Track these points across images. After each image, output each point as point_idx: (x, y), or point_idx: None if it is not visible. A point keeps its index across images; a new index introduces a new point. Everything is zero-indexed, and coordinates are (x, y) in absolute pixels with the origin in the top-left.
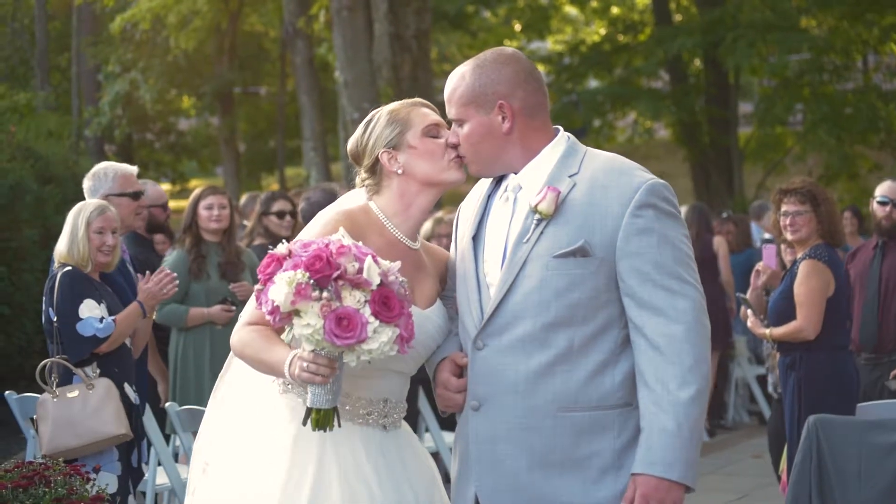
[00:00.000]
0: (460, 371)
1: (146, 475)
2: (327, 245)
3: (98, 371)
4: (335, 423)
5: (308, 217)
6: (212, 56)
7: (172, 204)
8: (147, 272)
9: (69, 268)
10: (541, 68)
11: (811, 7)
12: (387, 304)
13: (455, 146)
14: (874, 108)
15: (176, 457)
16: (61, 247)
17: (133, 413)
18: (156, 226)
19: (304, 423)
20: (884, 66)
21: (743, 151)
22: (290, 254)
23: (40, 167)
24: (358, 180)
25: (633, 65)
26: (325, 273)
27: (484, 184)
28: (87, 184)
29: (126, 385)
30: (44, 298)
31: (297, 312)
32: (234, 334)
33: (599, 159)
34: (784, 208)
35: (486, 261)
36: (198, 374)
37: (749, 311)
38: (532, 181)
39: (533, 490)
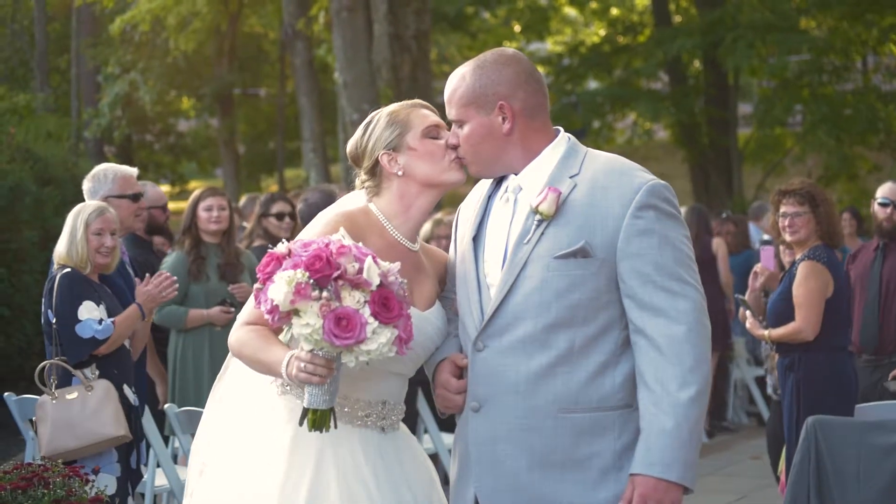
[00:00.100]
0: (460, 372)
1: (145, 477)
2: (327, 245)
3: (97, 373)
4: (331, 424)
5: (306, 218)
6: (211, 57)
7: (172, 205)
8: (147, 275)
9: (68, 269)
10: (540, 69)
11: (811, 8)
12: (386, 304)
13: (455, 147)
14: (873, 108)
15: (175, 458)
16: (60, 248)
17: (132, 414)
18: (155, 227)
19: (301, 424)
20: (883, 67)
21: (742, 152)
22: (289, 253)
23: (40, 169)
24: (358, 182)
25: (632, 66)
26: (324, 273)
27: (483, 185)
28: (86, 185)
29: (125, 386)
30: (43, 300)
31: (296, 312)
32: (232, 334)
33: (600, 160)
34: (783, 209)
35: (486, 262)
36: (197, 376)
37: (748, 313)
38: (533, 182)
39: (533, 491)
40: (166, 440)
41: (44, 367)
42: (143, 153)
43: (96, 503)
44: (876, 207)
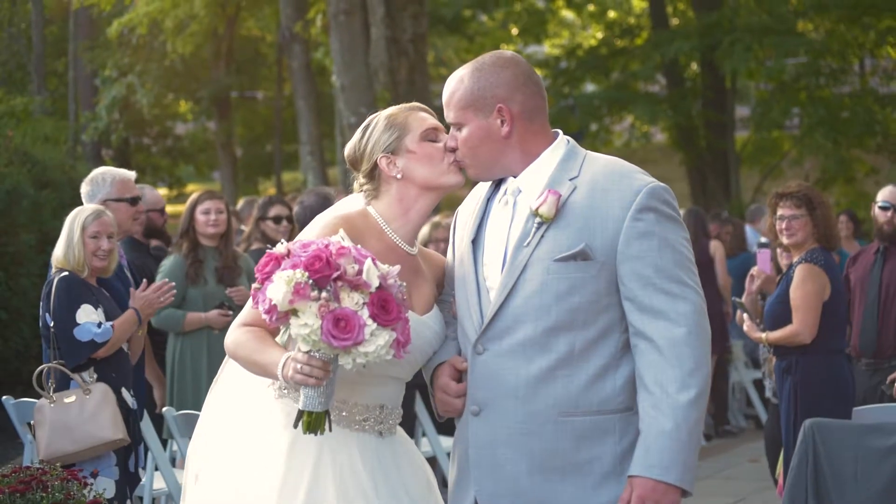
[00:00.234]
0: (459, 375)
1: (143, 480)
2: (327, 246)
3: (95, 376)
4: (326, 426)
5: (302, 221)
6: (209, 60)
7: (169, 208)
8: (144, 280)
9: (66, 273)
10: (537, 72)
11: (808, 11)
12: (385, 307)
13: (453, 150)
14: (871, 111)
15: (173, 462)
16: (58, 252)
17: (130, 418)
18: (153, 230)
19: (295, 426)
20: (880, 70)
21: (740, 155)
22: (289, 253)
23: (37, 172)
24: (356, 185)
25: (629, 69)
26: (324, 273)
27: (482, 188)
28: (84, 189)
29: (123, 390)
30: (41, 304)
31: (294, 312)
32: (228, 335)
33: (599, 162)
34: (780, 212)
35: (485, 265)
36: (195, 379)
37: (745, 316)
38: (532, 184)
39: (533, 494)
40: (164, 443)
41: (42, 371)
42: (140, 156)
43: None
44: (876, 211)
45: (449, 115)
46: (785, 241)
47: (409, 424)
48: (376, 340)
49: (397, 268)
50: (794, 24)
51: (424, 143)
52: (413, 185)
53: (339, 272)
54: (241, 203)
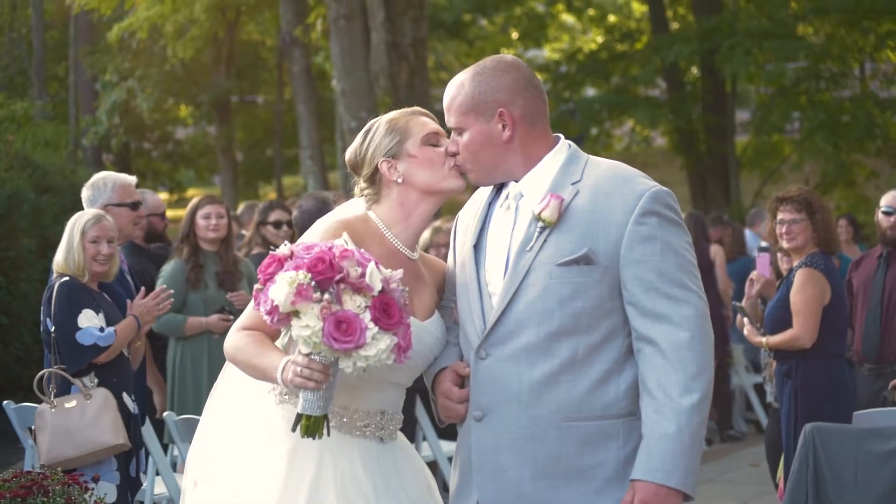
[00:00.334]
0: (461, 381)
1: (144, 485)
2: (330, 248)
3: (95, 381)
4: (325, 431)
5: (300, 225)
6: (209, 65)
7: (170, 213)
8: (143, 288)
9: (66, 278)
10: (538, 77)
11: (808, 15)
12: (387, 311)
13: (454, 155)
14: (871, 115)
15: (174, 466)
16: (59, 257)
17: (131, 423)
18: (154, 235)
19: (293, 429)
20: (880, 74)
21: (740, 159)
22: (292, 255)
23: (38, 177)
24: (357, 190)
25: (629, 73)
26: (327, 275)
27: (483, 192)
28: (85, 194)
29: (124, 395)
30: (41, 309)
31: (295, 313)
32: (228, 339)
33: (602, 167)
34: (780, 216)
35: (488, 269)
36: (196, 384)
37: (745, 320)
38: (534, 189)
39: (536, 500)
40: (165, 448)
41: (42, 376)
42: (140, 161)
43: None
44: (880, 216)
45: (450, 120)
46: (785, 245)
47: (410, 429)
48: (377, 344)
49: (400, 272)
50: (795, 28)
51: (426, 147)
52: (414, 189)
53: (341, 274)
54: (241, 208)
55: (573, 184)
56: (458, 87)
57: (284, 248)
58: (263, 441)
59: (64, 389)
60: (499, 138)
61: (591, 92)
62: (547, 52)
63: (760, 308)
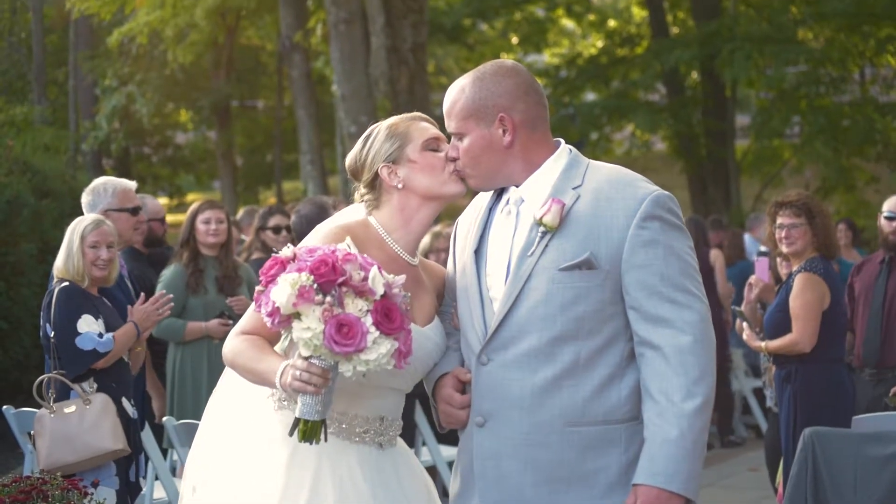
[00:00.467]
0: (462, 387)
1: (144, 490)
2: (334, 252)
3: (95, 386)
4: (322, 436)
5: (299, 230)
6: (209, 70)
7: (170, 218)
8: (143, 294)
9: (66, 283)
10: (538, 81)
11: (808, 19)
12: (389, 315)
13: (454, 160)
14: (871, 120)
15: (173, 471)
16: (58, 262)
17: (131, 428)
18: (154, 239)
19: (291, 434)
20: (880, 79)
21: (740, 164)
22: (294, 257)
23: (37, 181)
24: (357, 195)
25: (629, 77)
26: (329, 278)
27: (483, 197)
28: (85, 199)
29: (123, 400)
30: (41, 314)
31: (297, 315)
32: (227, 343)
33: (603, 171)
34: (779, 221)
35: (489, 275)
36: (195, 389)
37: (745, 324)
38: (535, 194)
39: None
40: (165, 453)
41: (42, 381)
42: (140, 165)
43: None
44: (882, 221)
45: (450, 125)
46: (784, 249)
47: (409, 434)
48: (378, 349)
49: (402, 277)
50: (794, 32)
51: (426, 152)
52: (414, 194)
53: (344, 277)
54: (241, 213)
55: (574, 188)
56: (458, 92)
57: (287, 251)
58: (262, 446)
59: (63, 394)
60: (499, 143)
61: (591, 97)
62: (547, 57)
63: (760, 313)
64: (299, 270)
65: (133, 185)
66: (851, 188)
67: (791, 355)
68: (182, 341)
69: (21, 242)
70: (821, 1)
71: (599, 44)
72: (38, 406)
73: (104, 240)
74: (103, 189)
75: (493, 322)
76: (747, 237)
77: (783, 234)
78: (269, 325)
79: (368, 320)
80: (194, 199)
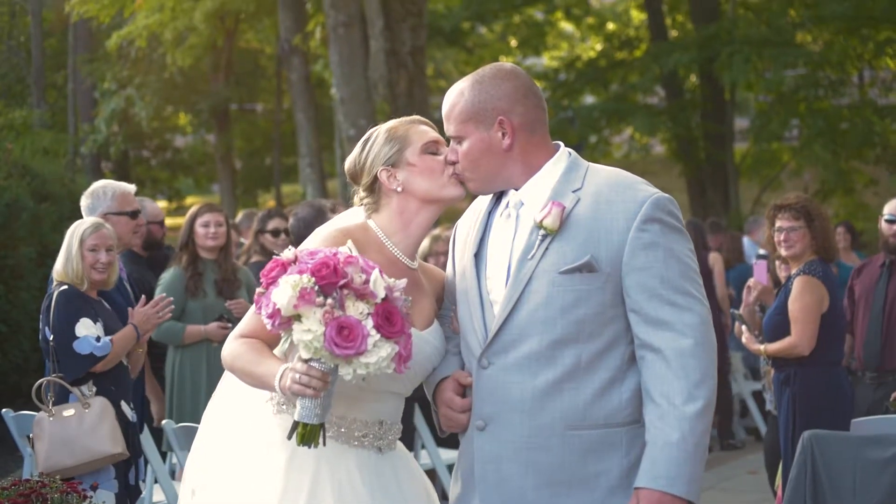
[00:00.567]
0: (463, 390)
1: (143, 493)
2: (335, 254)
3: (94, 390)
4: (321, 440)
5: (296, 233)
6: (208, 73)
7: (168, 221)
8: (143, 296)
9: (65, 286)
10: (537, 84)
11: (806, 22)
12: (389, 319)
13: (454, 163)
14: (870, 123)
15: (172, 474)
16: (58, 265)
17: (130, 431)
18: (152, 243)
19: (289, 437)
20: (879, 81)
21: (739, 167)
22: (296, 259)
23: (37, 185)
24: (356, 199)
25: (628, 81)
26: (330, 280)
27: (482, 201)
28: (85, 202)
29: (122, 403)
30: (40, 317)
31: (297, 317)
32: (225, 347)
33: (602, 174)
34: (778, 224)
35: (489, 278)
36: (194, 392)
37: (743, 327)
38: (535, 197)
39: None
40: (164, 456)
41: (41, 384)
42: (139, 169)
43: None
44: (883, 224)
45: (449, 129)
46: (783, 252)
47: (409, 437)
48: (378, 352)
49: (404, 281)
50: (793, 35)
51: (425, 155)
52: (414, 198)
53: (345, 280)
54: (240, 216)
55: (574, 191)
56: (457, 96)
57: (288, 253)
58: (261, 450)
59: (62, 398)
60: (499, 146)
61: (589, 100)
62: (546, 60)
63: (759, 316)
64: (301, 272)
65: (132, 188)
66: (850, 191)
67: (790, 358)
68: (181, 345)
69: (20, 246)
70: (819, 4)
71: (598, 47)
72: (38, 409)
73: (103, 243)
74: (102, 192)
75: (494, 325)
76: (746, 240)
77: (782, 237)
78: (269, 327)
79: (369, 323)
80: (193, 202)
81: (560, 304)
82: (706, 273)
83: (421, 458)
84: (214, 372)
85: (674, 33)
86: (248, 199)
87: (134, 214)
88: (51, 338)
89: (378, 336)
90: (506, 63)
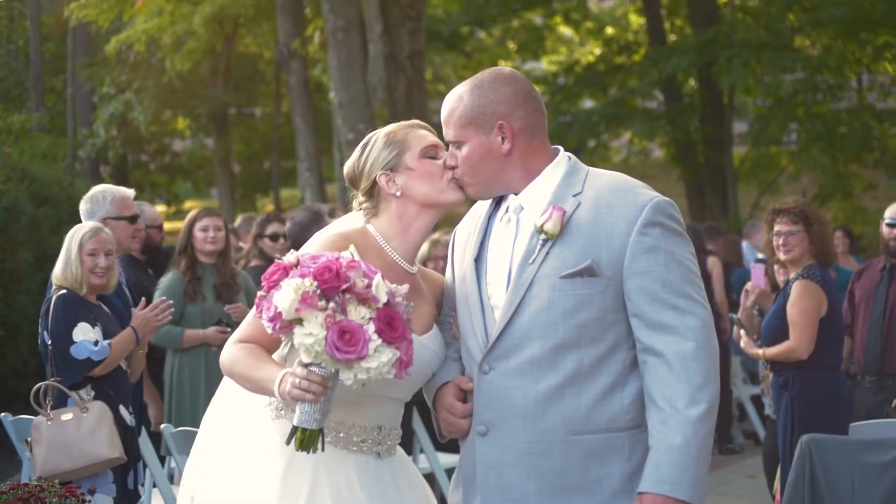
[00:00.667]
0: (464, 396)
1: (142, 497)
2: (338, 258)
3: (92, 394)
4: (320, 445)
5: (293, 237)
6: (207, 77)
7: (167, 225)
8: (143, 299)
9: (64, 291)
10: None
11: (805, 26)
12: (391, 324)
13: (453, 168)
14: (868, 127)
15: (171, 478)
16: (57, 269)
17: (128, 435)
18: (151, 247)
19: (288, 442)
20: (877, 86)
21: (737, 171)
22: (298, 263)
23: (35, 189)
24: (355, 203)
25: (627, 85)
26: (333, 284)
27: (481, 206)
28: (84, 206)
29: (121, 407)
30: (39, 321)
31: (299, 321)
32: (224, 351)
33: (603, 178)
34: (777, 228)
35: (489, 283)
36: (193, 396)
37: (742, 332)
38: (535, 201)
39: None
40: (163, 460)
41: (39, 388)
42: (138, 173)
43: None
44: (884, 228)
45: (448, 133)
46: (782, 256)
47: (407, 441)
48: (379, 357)
49: (406, 287)
50: (792, 40)
51: (424, 160)
52: (413, 202)
53: (348, 284)
54: (238, 220)
55: (574, 196)
56: (456, 100)
57: (291, 256)
58: (260, 455)
59: (61, 402)
60: (498, 151)
61: (588, 104)
62: (545, 65)
63: (757, 320)
64: (303, 276)
65: (131, 193)
66: (848, 195)
67: (788, 362)
68: (180, 349)
69: (19, 250)
70: (818, 8)
71: (597, 51)
72: (36, 413)
73: (102, 247)
74: (102, 197)
75: (495, 330)
76: (745, 244)
77: (780, 242)
78: (270, 330)
79: (371, 328)
80: (192, 206)
81: (561, 308)
82: (705, 277)
83: (420, 463)
84: (213, 376)
85: (672, 37)
86: (246, 203)
87: (133, 219)
88: (49, 342)
89: (379, 341)
90: (505, 67)
